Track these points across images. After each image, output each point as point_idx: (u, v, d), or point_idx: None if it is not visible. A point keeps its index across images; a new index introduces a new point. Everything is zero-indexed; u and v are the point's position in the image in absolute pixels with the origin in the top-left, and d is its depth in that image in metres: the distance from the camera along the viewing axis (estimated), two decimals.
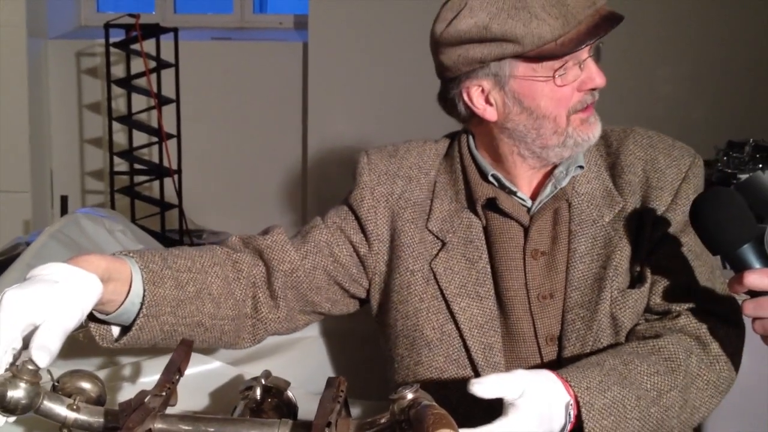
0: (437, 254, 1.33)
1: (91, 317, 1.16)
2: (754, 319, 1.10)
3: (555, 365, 1.27)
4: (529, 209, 1.32)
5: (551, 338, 1.31)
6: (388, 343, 1.38)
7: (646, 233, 1.31)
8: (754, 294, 1.10)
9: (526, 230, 1.31)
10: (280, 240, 1.33)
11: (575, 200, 1.31)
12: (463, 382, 1.20)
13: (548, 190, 1.30)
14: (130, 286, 1.16)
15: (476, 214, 1.33)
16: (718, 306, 1.29)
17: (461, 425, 1.22)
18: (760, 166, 2.50)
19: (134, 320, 1.17)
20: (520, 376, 1.09)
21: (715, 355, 1.25)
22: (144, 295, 1.16)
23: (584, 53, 1.26)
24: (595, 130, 1.29)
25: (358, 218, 1.37)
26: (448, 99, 1.33)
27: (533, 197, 1.32)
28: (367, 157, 1.41)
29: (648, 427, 1.19)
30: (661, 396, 1.20)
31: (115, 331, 1.19)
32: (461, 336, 1.30)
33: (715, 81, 3.84)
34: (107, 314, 1.16)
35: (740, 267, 1.11)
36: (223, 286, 1.26)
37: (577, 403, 1.14)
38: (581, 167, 1.32)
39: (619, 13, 1.25)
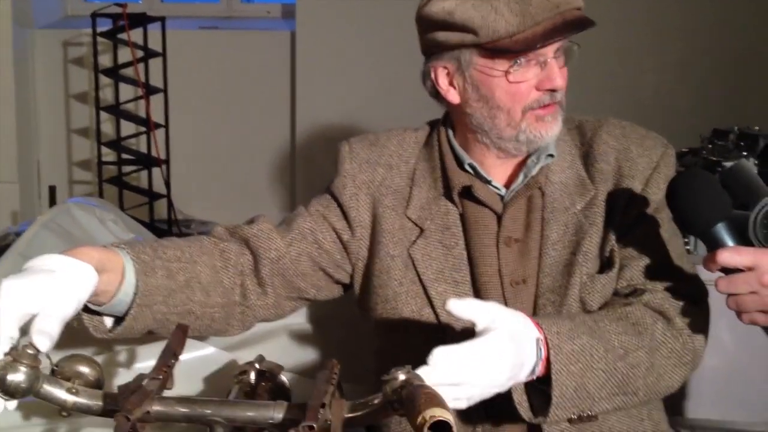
0: (415, 240, 1.36)
1: (83, 308, 1.17)
2: (728, 296, 1.13)
3: None
4: (502, 197, 1.35)
5: None
6: (370, 326, 1.42)
7: (616, 220, 1.33)
8: (727, 271, 1.13)
9: (500, 218, 1.34)
10: (266, 229, 1.36)
11: (548, 189, 1.34)
12: None
13: (520, 178, 1.34)
14: (123, 277, 1.18)
15: (453, 201, 1.36)
16: (683, 286, 1.31)
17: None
18: (744, 153, 2.52)
19: (128, 310, 1.19)
20: (495, 306, 1.12)
21: (679, 328, 1.28)
22: (137, 286, 1.19)
23: (548, 53, 1.27)
24: (549, 130, 1.30)
25: (340, 205, 1.40)
26: (422, 73, 1.37)
27: (507, 186, 1.35)
28: (348, 145, 1.44)
29: (613, 381, 1.21)
30: (627, 354, 1.22)
31: (108, 321, 1.22)
32: (438, 319, 1.33)
33: (700, 70, 3.87)
34: (101, 305, 1.18)
35: (714, 245, 1.15)
36: (211, 274, 1.29)
37: (547, 345, 1.16)
38: (551, 156, 1.34)
39: (590, 20, 1.25)
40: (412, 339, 1.33)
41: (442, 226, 1.35)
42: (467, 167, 1.35)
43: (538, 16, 1.23)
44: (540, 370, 1.16)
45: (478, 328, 1.10)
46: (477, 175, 1.35)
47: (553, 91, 1.29)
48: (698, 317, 1.30)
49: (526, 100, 1.29)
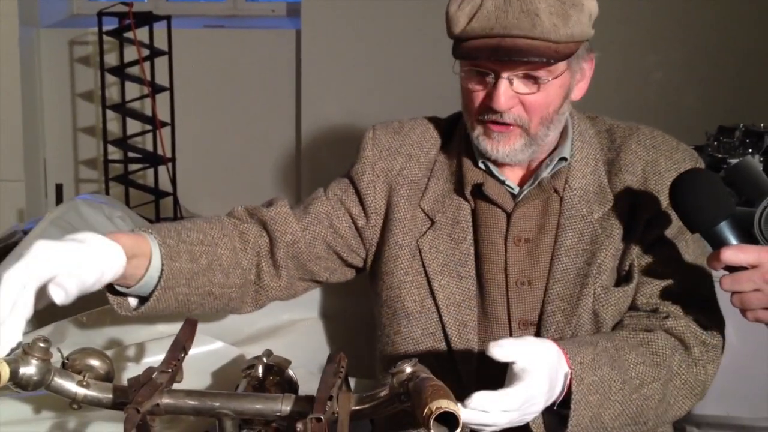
0: (425, 232, 1.36)
1: (110, 290, 1.23)
2: (733, 293, 1.14)
3: None
4: (515, 197, 1.34)
5: (524, 323, 1.34)
6: (376, 312, 1.44)
7: (637, 234, 1.32)
8: (731, 269, 1.13)
9: (509, 217, 1.34)
10: (283, 212, 1.38)
11: (567, 194, 1.33)
12: (437, 353, 1.33)
13: (531, 180, 1.33)
14: (150, 261, 1.22)
15: (465, 197, 1.36)
16: (705, 313, 1.31)
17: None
18: (750, 150, 2.53)
19: (152, 292, 1.23)
20: (531, 343, 1.12)
21: (695, 358, 1.28)
22: (162, 270, 1.23)
23: (499, 70, 1.23)
24: (497, 147, 1.28)
25: (357, 191, 1.41)
26: None
27: (521, 185, 1.35)
28: (372, 132, 1.45)
29: (627, 413, 1.23)
30: (643, 385, 1.24)
31: (132, 301, 1.26)
32: (438, 312, 1.34)
33: (706, 67, 3.87)
34: (128, 287, 1.22)
35: (718, 244, 1.15)
36: (231, 256, 1.32)
37: (570, 375, 1.18)
38: (564, 159, 1.33)
39: (530, 54, 1.19)
40: (412, 328, 1.36)
41: (452, 220, 1.36)
42: (480, 165, 1.34)
43: (478, 30, 1.21)
44: (560, 396, 1.18)
45: (517, 367, 1.10)
46: (490, 173, 1.34)
47: (491, 108, 1.25)
48: (715, 348, 1.31)
49: (473, 107, 1.28)
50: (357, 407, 1.03)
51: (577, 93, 1.33)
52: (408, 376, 0.99)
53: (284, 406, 1.02)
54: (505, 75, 1.23)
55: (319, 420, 0.95)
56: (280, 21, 4.19)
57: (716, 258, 1.13)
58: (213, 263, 1.30)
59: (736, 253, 1.12)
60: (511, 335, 1.34)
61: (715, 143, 2.53)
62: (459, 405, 0.97)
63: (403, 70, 3.93)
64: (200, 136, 4.00)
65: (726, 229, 1.15)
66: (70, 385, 1.03)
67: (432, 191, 1.38)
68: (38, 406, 1.27)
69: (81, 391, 1.03)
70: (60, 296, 1.04)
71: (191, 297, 1.28)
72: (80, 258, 1.08)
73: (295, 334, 1.58)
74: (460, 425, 0.91)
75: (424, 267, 1.35)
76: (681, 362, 1.27)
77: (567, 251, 1.32)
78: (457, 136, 1.40)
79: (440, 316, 1.34)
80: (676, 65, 3.78)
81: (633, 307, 1.34)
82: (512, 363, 1.09)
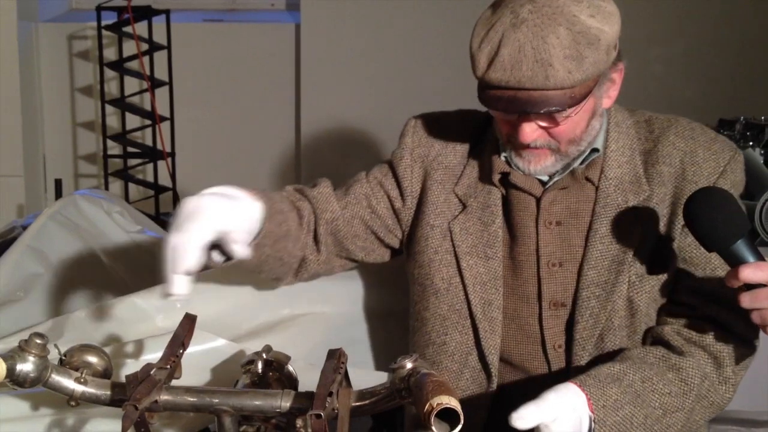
0: (457, 216, 1.43)
1: None
2: (753, 310, 1.15)
3: (555, 329, 1.37)
4: (544, 183, 1.37)
5: (555, 303, 1.38)
6: (410, 291, 1.51)
7: (677, 225, 1.34)
8: (749, 286, 1.14)
9: (539, 201, 1.37)
10: (326, 192, 1.49)
11: (603, 183, 1.36)
12: (462, 329, 1.41)
13: (561, 169, 1.35)
14: None
15: (495, 184, 1.41)
16: (743, 320, 1.28)
17: (459, 370, 1.39)
18: (751, 143, 2.53)
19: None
20: (553, 401, 1.15)
21: (726, 377, 1.31)
22: (261, 228, 1.31)
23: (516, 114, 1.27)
24: (528, 165, 1.32)
25: (395, 175, 1.50)
26: None
27: (551, 174, 1.37)
28: (414, 120, 1.52)
29: None
30: (666, 415, 1.26)
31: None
32: (465, 290, 1.40)
33: (707, 60, 3.86)
34: None
35: (735, 262, 1.16)
36: (296, 228, 1.43)
37: (593, 418, 1.20)
38: (597, 150, 1.35)
39: (543, 106, 1.21)
40: (440, 304, 1.43)
41: (483, 205, 1.41)
42: (503, 157, 1.37)
43: (494, 81, 1.23)
44: None
45: (542, 426, 1.13)
46: (511, 164, 1.37)
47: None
48: (747, 363, 1.33)
49: (503, 133, 1.34)
50: (357, 403, 1.03)
51: (608, 102, 1.35)
52: (409, 372, 0.99)
53: (284, 402, 1.02)
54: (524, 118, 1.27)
55: (318, 416, 0.94)
56: (279, 15, 4.18)
57: (735, 276, 1.14)
58: (289, 231, 1.40)
59: (754, 271, 1.13)
60: (540, 315, 1.38)
61: None
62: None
63: (402, 65, 3.92)
64: (200, 131, 3.99)
65: (743, 247, 1.15)
66: (68, 382, 1.03)
67: (466, 178, 1.44)
68: (36, 403, 1.27)
69: (79, 388, 1.03)
70: (244, 252, 1.20)
71: (269, 258, 1.37)
72: (242, 215, 1.21)
73: (295, 329, 1.57)
74: (461, 421, 0.90)
75: (453, 247, 1.42)
76: (710, 386, 1.30)
77: (602, 238, 1.35)
78: (492, 126, 1.44)
79: (466, 294, 1.40)
80: (676, 58, 3.77)
81: (673, 300, 1.36)
82: (540, 426, 1.12)
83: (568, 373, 1.36)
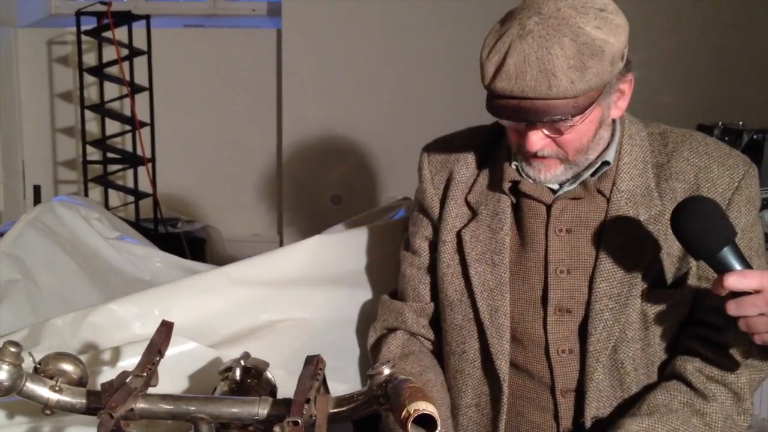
0: (468, 224, 1.45)
1: None
2: (739, 318, 1.16)
3: (559, 334, 1.39)
4: (555, 191, 1.38)
5: (560, 309, 1.39)
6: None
7: None
8: (735, 294, 1.15)
9: (549, 209, 1.39)
10: (419, 315, 1.54)
11: (614, 196, 1.37)
12: (477, 336, 1.43)
13: (572, 179, 1.37)
14: None
15: (504, 192, 1.42)
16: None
17: (481, 376, 1.43)
18: None
19: None
20: None
21: (745, 408, 1.34)
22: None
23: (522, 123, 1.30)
24: (539, 174, 1.35)
25: (425, 211, 1.53)
26: None
27: (561, 184, 1.39)
28: (425, 150, 1.55)
29: None
30: None
31: None
32: (472, 299, 1.43)
33: (686, 66, 3.89)
34: None
35: (721, 269, 1.16)
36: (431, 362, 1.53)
37: None
38: (608, 163, 1.36)
39: (546, 115, 1.24)
40: (455, 315, 1.46)
41: (492, 212, 1.43)
42: (513, 166, 1.39)
43: (500, 91, 1.25)
44: None
45: None
46: (522, 173, 1.39)
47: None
48: (756, 386, 1.36)
49: (512, 143, 1.36)
50: (335, 410, 1.02)
51: (616, 112, 1.35)
52: (386, 378, 0.98)
53: (261, 409, 1.01)
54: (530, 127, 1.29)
55: (296, 423, 0.94)
56: (260, 20, 4.18)
57: (720, 284, 1.15)
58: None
59: (739, 279, 1.14)
60: (545, 320, 1.39)
61: None
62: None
63: (383, 69, 3.93)
64: (180, 137, 3.98)
65: (729, 255, 1.16)
66: (43, 391, 1.01)
67: (478, 185, 1.46)
68: (10, 412, 1.25)
69: (54, 397, 1.02)
70: None
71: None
72: None
73: (274, 335, 1.56)
74: (438, 427, 0.90)
75: (464, 256, 1.44)
76: (732, 424, 1.33)
77: (614, 251, 1.36)
78: (503, 136, 1.45)
79: (474, 304, 1.43)
80: (656, 64, 3.80)
81: (697, 320, 1.37)
82: None
83: (576, 380, 1.39)
